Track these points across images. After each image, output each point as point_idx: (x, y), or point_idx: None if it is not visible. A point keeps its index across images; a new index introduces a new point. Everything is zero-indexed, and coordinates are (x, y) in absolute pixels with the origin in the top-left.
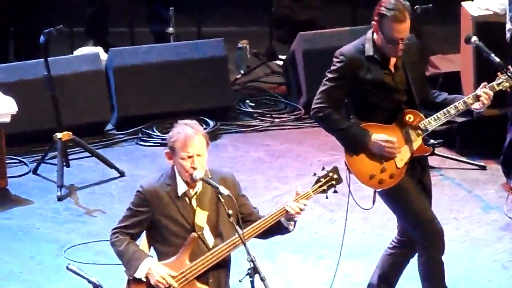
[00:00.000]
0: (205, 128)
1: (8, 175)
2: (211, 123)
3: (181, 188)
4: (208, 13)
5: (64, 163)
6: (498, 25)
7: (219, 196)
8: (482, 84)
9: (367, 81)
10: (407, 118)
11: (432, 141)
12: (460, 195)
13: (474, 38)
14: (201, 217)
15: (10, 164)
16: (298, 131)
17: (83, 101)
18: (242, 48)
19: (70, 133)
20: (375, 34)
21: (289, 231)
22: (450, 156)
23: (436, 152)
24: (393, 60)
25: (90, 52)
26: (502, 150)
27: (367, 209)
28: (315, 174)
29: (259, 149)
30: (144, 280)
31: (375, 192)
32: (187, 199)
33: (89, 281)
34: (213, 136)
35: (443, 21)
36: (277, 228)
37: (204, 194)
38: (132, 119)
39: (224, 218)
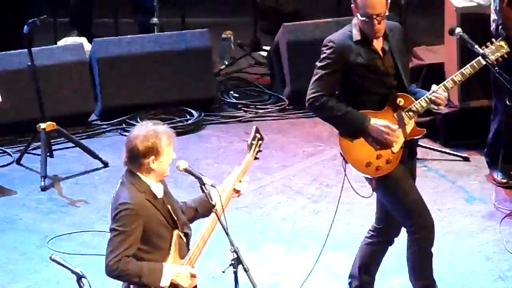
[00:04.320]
0: (189, 119)
1: None
2: (195, 113)
3: (158, 189)
4: (192, 4)
5: (48, 154)
6: (482, 17)
7: (202, 187)
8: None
9: (358, 64)
10: (398, 102)
11: None
12: (443, 186)
13: (458, 30)
14: (176, 212)
15: None
16: (282, 122)
17: (66, 91)
18: (226, 39)
19: (54, 123)
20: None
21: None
22: (434, 148)
23: (420, 143)
24: (380, 44)
25: (74, 42)
26: (486, 142)
27: (366, 197)
28: (245, 140)
29: (243, 140)
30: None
31: (372, 179)
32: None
33: (73, 272)
34: (197, 127)
35: (427, 13)
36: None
37: (165, 188)
38: (116, 110)
39: (175, 206)
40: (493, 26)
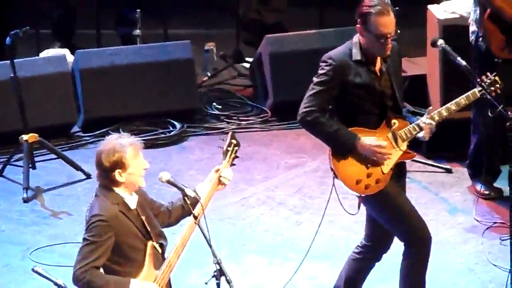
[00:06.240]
0: (172, 130)
1: None
2: (178, 125)
3: (132, 200)
4: (175, 16)
5: (30, 165)
6: (465, 29)
7: (185, 198)
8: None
9: (356, 84)
10: (392, 123)
11: None
12: (426, 198)
13: (441, 42)
14: (151, 223)
15: None
16: (265, 134)
17: (49, 103)
18: (209, 50)
19: (36, 135)
20: (360, 38)
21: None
22: (417, 159)
23: None
24: (378, 65)
25: (57, 54)
26: (467, 154)
27: (353, 214)
28: (220, 147)
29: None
30: None
31: (360, 197)
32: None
33: (55, 283)
34: (179, 138)
35: (410, 24)
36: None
37: (140, 199)
38: (99, 121)
39: (149, 217)
40: (472, 37)
